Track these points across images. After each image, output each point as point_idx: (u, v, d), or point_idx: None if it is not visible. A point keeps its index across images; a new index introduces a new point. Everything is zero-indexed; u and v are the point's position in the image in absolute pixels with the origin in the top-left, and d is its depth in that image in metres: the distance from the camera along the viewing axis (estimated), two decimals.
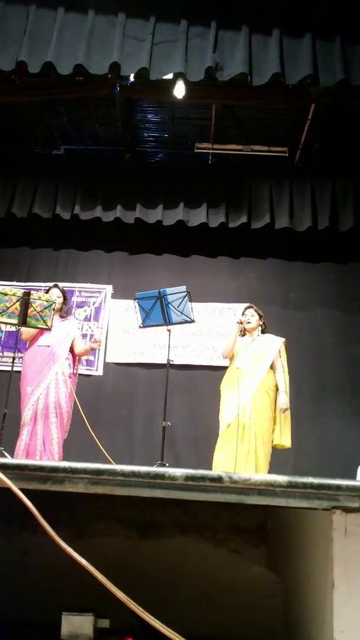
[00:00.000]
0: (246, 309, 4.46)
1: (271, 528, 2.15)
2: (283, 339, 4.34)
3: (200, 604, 1.99)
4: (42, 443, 4.02)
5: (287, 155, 6.42)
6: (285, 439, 4.12)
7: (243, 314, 4.42)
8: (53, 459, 3.97)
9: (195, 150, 6.50)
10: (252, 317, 4.37)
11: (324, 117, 5.71)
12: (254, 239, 6.22)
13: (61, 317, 4.45)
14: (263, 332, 4.40)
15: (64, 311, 4.52)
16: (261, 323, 4.41)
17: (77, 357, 4.51)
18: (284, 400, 4.11)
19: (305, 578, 1.74)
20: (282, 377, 4.19)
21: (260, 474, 2.84)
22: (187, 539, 2.14)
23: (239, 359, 4.23)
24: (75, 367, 4.49)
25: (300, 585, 1.80)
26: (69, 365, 4.36)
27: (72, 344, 4.43)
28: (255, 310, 4.42)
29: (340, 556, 1.41)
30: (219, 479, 1.42)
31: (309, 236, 6.04)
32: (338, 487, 1.41)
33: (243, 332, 4.38)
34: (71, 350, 4.42)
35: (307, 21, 4.37)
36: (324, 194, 6.00)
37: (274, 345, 4.28)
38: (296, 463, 5.43)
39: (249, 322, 4.35)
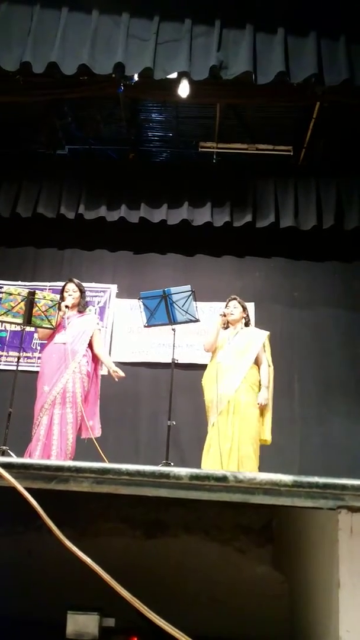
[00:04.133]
0: (230, 300, 4.36)
1: (276, 527, 2.15)
2: (267, 332, 4.26)
3: (205, 603, 1.99)
4: (58, 444, 3.91)
5: (292, 154, 6.41)
6: (264, 434, 3.98)
7: (226, 305, 4.33)
8: (67, 459, 3.90)
9: (200, 150, 6.49)
10: (235, 309, 4.28)
11: (328, 115, 5.69)
12: (259, 238, 6.21)
13: (79, 312, 4.30)
14: (247, 324, 4.31)
15: (82, 305, 4.36)
16: (244, 315, 4.31)
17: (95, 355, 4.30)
18: (264, 395, 4.00)
19: (310, 577, 1.73)
20: (266, 372, 4.09)
21: (266, 474, 2.83)
22: (192, 538, 2.14)
23: (221, 353, 4.14)
24: (94, 365, 4.27)
25: (305, 584, 1.79)
26: (87, 362, 4.16)
27: (90, 340, 4.24)
28: (239, 302, 4.32)
29: (346, 556, 1.41)
30: (224, 479, 1.42)
31: (314, 235, 6.02)
32: (344, 487, 1.40)
33: (226, 325, 4.29)
34: (90, 347, 4.23)
35: (311, 20, 4.37)
36: (329, 193, 5.99)
37: (258, 339, 4.18)
38: (302, 462, 5.43)
39: (232, 314, 4.26)
